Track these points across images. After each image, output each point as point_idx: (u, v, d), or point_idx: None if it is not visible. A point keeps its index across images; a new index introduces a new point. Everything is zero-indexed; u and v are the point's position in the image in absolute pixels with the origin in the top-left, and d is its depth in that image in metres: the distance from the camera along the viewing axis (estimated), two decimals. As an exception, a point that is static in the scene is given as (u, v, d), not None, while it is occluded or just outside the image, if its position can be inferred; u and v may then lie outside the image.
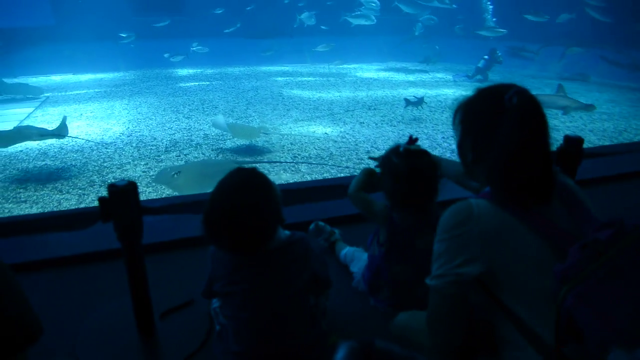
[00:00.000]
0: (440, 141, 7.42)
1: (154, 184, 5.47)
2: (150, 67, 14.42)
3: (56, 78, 13.22)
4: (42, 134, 6.69)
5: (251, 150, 6.91)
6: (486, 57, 13.10)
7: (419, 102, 9.06)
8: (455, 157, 6.08)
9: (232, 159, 6.41)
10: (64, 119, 7.02)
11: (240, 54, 15.32)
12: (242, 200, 1.52)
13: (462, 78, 13.20)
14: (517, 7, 14.14)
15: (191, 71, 14.24)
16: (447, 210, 1.37)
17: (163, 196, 5.26)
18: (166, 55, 14.16)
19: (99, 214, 1.43)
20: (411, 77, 13.71)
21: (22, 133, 6.61)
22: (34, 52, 15.01)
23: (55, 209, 5.11)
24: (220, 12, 15.91)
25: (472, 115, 1.46)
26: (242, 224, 1.52)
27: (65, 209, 4.84)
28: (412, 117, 8.81)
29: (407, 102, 9.17)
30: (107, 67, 13.95)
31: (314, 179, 5.83)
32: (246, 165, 5.13)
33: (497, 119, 1.34)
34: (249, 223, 1.53)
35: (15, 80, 11.77)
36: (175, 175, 4.88)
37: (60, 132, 6.86)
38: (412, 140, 2.08)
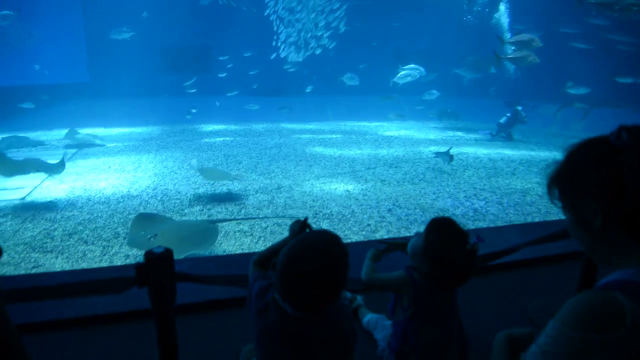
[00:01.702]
0: (463, 200, 7.39)
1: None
2: (177, 122, 14.93)
3: (88, 131, 13.72)
4: (40, 167, 7.54)
5: (271, 204, 6.97)
6: (508, 114, 13.22)
7: (447, 154, 9.21)
8: (478, 217, 5.96)
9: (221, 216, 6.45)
10: (63, 156, 7.75)
11: (264, 111, 15.81)
12: (329, 260, 1.56)
13: (487, 136, 13.30)
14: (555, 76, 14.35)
15: (216, 127, 14.66)
16: (580, 299, 1.07)
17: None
18: (188, 116, 14.78)
19: (135, 280, 1.46)
20: (431, 135, 13.84)
21: (26, 164, 7.48)
22: (69, 106, 15.78)
23: (80, 262, 5.17)
24: (227, 71, 16.59)
25: (580, 172, 1.22)
26: (323, 283, 1.55)
27: (97, 268, 4.84)
28: (433, 176, 8.83)
29: (437, 154, 9.45)
30: (136, 121, 14.49)
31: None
32: (219, 223, 5.09)
33: (615, 165, 1.12)
34: (330, 282, 1.56)
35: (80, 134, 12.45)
36: (152, 239, 4.77)
37: (57, 169, 7.72)
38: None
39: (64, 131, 12.71)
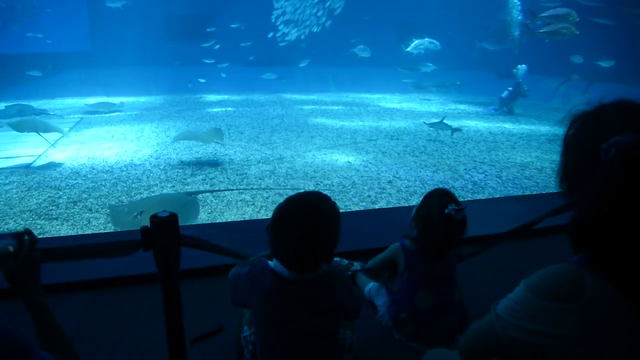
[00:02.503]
0: (463, 172, 7.46)
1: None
2: (180, 92, 14.88)
3: (91, 100, 13.73)
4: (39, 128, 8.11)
5: (273, 174, 7.06)
6: (510, 88, 13.15)
7: (441, 123, 9.50)
8: (477, 189, 6.05)
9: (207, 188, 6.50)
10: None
11: (265, 82, 15.72)
12: (319, 214, 1.61)
13: (490, 111, 13.25)
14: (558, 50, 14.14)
15: (219, 97, 14.63)
16: (548, 270, 1.16)
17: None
18: (189, 85, 14.71)
19: (140, 243, 1.54)
20: (433, 108, 13.81)
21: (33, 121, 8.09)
22: (71, 75, 15.71)
23: (85, 229, 5.29)
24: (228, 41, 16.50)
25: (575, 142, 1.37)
26: (314, 236, 1.59)
27: (104, 233, 4.94)
28: (434, 149, 8.87)
29: (431, 125, 9.72)
30: (139, 90, 14.45)
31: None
32: (198, 195, 5.12)
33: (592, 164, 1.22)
34: (321, 235, 1.60)
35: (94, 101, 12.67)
36: (139, 217, 4.75)
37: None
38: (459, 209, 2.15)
39: (68, 100, 12.75)
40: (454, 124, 11.10)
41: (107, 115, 11.91)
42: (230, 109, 12.76)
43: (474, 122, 11.77)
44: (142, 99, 14.04)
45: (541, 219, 2.25)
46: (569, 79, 14.64)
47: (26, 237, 1.31)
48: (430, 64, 14.63)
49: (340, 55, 15.77)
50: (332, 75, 16.40)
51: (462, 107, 14.32)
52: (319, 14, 17.05)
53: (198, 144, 8.82)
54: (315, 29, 16.95)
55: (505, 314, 1.20)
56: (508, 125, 11.37)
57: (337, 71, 16.82)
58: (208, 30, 17.47)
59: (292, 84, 15.56)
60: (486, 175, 7.41)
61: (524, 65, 13.32)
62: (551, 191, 6.73)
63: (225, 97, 14.68)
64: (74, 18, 17.14)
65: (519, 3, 15.23)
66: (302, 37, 17.09)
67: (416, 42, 13.94)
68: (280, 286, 1.66)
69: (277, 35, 17.03)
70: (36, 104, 12.62)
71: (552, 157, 8.45)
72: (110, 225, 5.37)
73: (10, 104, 11.82)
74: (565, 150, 1.38)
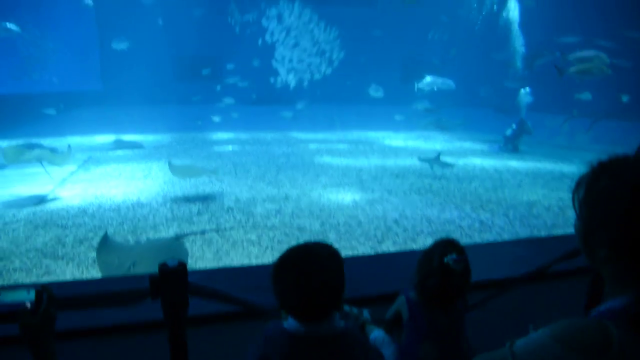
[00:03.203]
0: (469, 211, 7.43)
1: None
2: (188, 130, 15.10)
3: (100, 139, 13.95)
4: (42, 157, 8.32)
5: (279, 213, 7.05)
6: (514, 126, 13.25)
7: (436, 159, 9.75)
8: (484, 228, 6.00)
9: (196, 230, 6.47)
10: (69, 148, 8.49)
11: (272, 120, 16.00)
12: (319, 269, 1.63)
13: (495, 148, 13.31)
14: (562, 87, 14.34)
15: (226, 135, 14.82)
16: (573, 321, 1.12)
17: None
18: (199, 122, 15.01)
19: (148, 292, 1.54)
20: (438, 146, 13.90)
21: (30, 151, 8.19)
22: (82, 114, 16.05)
23: (90, 269, 5.27)
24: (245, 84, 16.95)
25: (605, 198, 1.19)
26: (317, 281, 1.60)
27: (109, 278, 4.85)
28: (440, 186, 8.88)
29: (426, 160, 10.02)
30: (147, 128, 14.68)
31: (339, 250, 5.88)
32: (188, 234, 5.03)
33: (627, 198, 1.13)
34: (324, 280, 1.62)
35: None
36: (132, 268, 4.65)
37: (63, 160, 8.43)
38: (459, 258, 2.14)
39: (77, 138, 12.95)
40: (460, 161, 11.18)
41: (115, 153, 12.06)
42: (237, 147, 12.90)
43: (480, 159, 11.81)
44: (151, 137, 14.24)
45: (553, 263, 2.22)
46: (573, 116, 14.77)
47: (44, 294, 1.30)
48: (427, 102, 14.89)
49: (344, 94, 16.06)
50: (338, 113, 16.64)
51: (467, 144, 14.40)
52: (324, 56, 17.47)
53: (204, 182, 8.88)
54: (318, 73, 17.34)
55: (523, 355, 1.13)
56: (513, 163, 11.40)
57: (342, 109, 17.09)
58: (216, 70, 17.92)
59: (298, 123, 15.78)
60: (493, 213, 7.37)
61: (527, 89, 13.46)
62: (559, 231, 6.68)
63: (232, 135, 14.87)
64: (85, 59, 17.65)
65: (521, 38, 15.57)
66: (306, 80, 17.47)
67: (429, 79, 14.18)
68: (297, 348, 1.65)
69: (280, 77, 17.42)
70: (46, 141, 12.80)
71: (558, 195, 8.43)
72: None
73: (21, 142, 12.01)
74: (587, 212, 1.24)
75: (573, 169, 10.78)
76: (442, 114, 16.48)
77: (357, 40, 18.63)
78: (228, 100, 16.07)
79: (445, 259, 2.07)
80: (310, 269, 1.62)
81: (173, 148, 12.64)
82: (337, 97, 17.37)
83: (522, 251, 3.66)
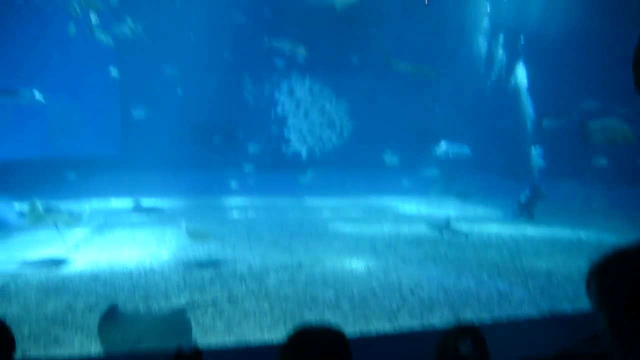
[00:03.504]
0: (486, 280, 7.24)
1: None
2: (203, 195, 15.29)
3: (115, 203, 14.15)
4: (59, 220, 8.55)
5: (291, 283, 6.93)
6: (527, 193, 13.15)
7: (446, 225, 9.75)
8: (503, 300, 5.79)
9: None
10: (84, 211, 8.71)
11: (286, 186, 16.20)
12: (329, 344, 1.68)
13: (510, 215, 13.17)
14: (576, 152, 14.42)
15: (240, 201, 14.96)
16: None
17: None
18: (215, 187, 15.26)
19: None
20: (452, 212, 13.81)
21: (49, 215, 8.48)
22: (99, 177, 16.44)
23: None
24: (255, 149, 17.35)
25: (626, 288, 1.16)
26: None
27: (122, 353, 4.69)
28: (455, 255, 8.72)
29: (436, 227, 10.00)
30: (163, 193, 14.89)
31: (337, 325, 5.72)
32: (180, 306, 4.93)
33: None
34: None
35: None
36: (136, 345, 4.58)
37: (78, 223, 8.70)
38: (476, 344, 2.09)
39: (94, 201, 13.15)
40: (475, 228, 11.06)
41: (130, 217, 12.17)
42: (251, 212, 12.99)
43: (495, 226, 11.67)
44: (166, 201, 14.41)
45: (581, 345, 2.12)
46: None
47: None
48: (434, 168, 15.01)
49: (356, 160, 16.29)
50: (350, 179, 16.81)
51: (481, 210, 14.30)
52: (335, 124, 17.91)
53: (217, 247, 8.86)
54: (331, 141, 17.73)
55: None
56: (530, 230, 11.23)
57: (354, 175, 17.25)
58: (231, 137, 18.44)
59: (311, 188, 15.94)
60: (511, 283, 7.17)
61: (538, 149, 13.41)
62: (582, 302, 6.44)
63: (247, 200, 15.01)
64: (107, 124, 18.33)
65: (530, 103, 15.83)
66: (318, 146, 17.84)
67: (444, 145, 14.36)
68: None
69: (293, 144, 17.81)
70: (66, 204, 13.02)
71: (578, 263, 8.21)
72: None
73: (41, 204, 12.22)
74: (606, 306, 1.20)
75: (591, 235, 10.58)
76: (455, 179, 16.50)
77: (367, 109, 19.17)
78: (243, 166, 16.40)
79: (461, 350, 2.01)
80: (314, 356, 1.63)
81: (188, 213, 12.73)
82: (349, 163, 17.62)
83: (546, 330, 3.52)
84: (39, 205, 8.82)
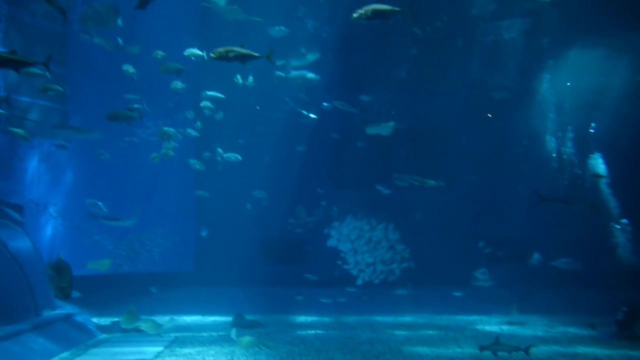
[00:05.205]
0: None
1: None
2: (271, 312, 15.14)
3: (187, 318, 14.35)
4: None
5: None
6: (624, 308, 11.87)
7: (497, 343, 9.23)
8: None
9: None
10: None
11: (355, 303, 15.86)
12: None
13: (607, 334, 11.83)
14: None
15: (309, 318, 14.68)
16: None
17: None
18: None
19: None
20: (539, 332, 12.70)
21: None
22: (172, 294, 16.92)
23: None
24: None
25: None
26: None
27: None
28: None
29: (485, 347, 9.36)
30: (233, 310, 14.90)
31: None
32: None
33: None
34: None
35: None
36: None
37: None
38: None
39: (165, 318, 13.34)
40: (568, 350, 10.02)
41: (201, 334, 12.18)
42: (320, 331, 12.63)
43: (591, 349, 10.45)
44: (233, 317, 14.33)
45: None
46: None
47: None
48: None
49: (431, 277, 15.80)
50: (425, 296, 16.13)
51: (572, 329, 12.99)
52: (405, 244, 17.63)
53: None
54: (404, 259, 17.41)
55: None
56: (635, 354, 9.93)
57: (428, 291, 16.54)
58: (300, 253, 18.68)
59: (382, 306, 15.45)
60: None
61: None
62: None
63: (315, 318, 14.68)
64: (182, 243, 19.25)
65: None
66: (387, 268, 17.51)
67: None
68: None
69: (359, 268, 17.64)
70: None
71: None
72: None
73: (116, 319, 12.63)
74: None
75: None
76: (537, 295, 15.43)
77: (437, 225, 18.98)
78: (311, 283, 16.33)
79: None
80: None
81: (256, 330, 12.56)
82: (423, 280, 17.00)
83: None
84: (134, 313, 9.10)
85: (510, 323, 13.97)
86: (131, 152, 17.13)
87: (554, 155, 18.58)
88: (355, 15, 8.67)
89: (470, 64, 20.04)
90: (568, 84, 18.77)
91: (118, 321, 12.52)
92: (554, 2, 17.62)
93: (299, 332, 12.49)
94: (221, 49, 8.57)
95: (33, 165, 15.68)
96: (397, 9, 8.61)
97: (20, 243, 12.05)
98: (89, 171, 17.12)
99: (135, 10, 8.82)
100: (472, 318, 14.83)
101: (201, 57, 13.61)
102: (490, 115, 20.48)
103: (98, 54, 15.89)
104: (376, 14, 8.61)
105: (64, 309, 12.28)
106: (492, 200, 19.66)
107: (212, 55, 8.70)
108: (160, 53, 14.05)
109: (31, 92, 14.84)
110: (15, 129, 12.60)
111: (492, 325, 13.78)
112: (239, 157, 16.07)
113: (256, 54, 8.66)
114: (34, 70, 8.63)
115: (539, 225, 18.63)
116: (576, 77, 18.61)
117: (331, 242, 17.92)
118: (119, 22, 14.93)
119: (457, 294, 15.67)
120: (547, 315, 14.88)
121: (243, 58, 8.56)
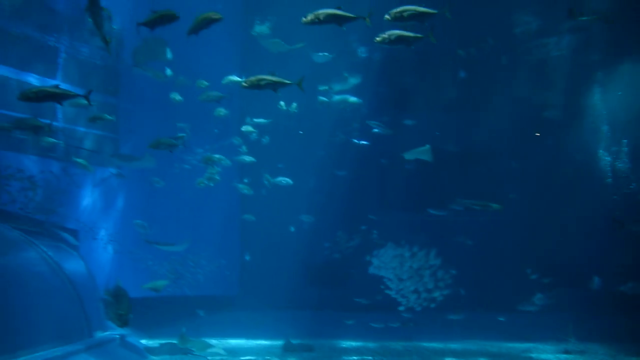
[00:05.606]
0: None
1: None
2: (317, 337, 14.98)
3: (232, 341, 14.41)
4: None
5: None
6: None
7: None
8: None
9: None
10: None
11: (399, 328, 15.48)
12: None
13: None
14: None
15: (354, 344, 14.45)
16: None
17: None
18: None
19: None
20: (600, 362, 11.94)
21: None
22: (217, 317, 17.05)
23: None
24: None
25: None
26: None
27: None
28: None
29: None
30: (277, 334, 14.87)
31: None
32: None
33: None
34: None
35: None
36: None
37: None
38: None
39: (212, 340, 13.47)
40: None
41: (246, 357, 12.20)
42: (367, 357, 12.39)
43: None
44: (278, 342, 14.26)
45: None
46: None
47: None
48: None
49: (482, 302, 15.26)
50: (476, 323, 15.52)
51: (635, 359, 12.13)
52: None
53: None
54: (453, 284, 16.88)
55: None
56: None
57: (478, 317, 15.91)
58: (344, 277, 18.48)
59: (429, 331, 14.96)
60: None
61: None
62: None
63: (361, 344, 14.40)
64: (227, 267, 19.45)
65: None
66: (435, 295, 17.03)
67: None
68: None
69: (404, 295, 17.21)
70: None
71: None
72: None
73: (164, 341, 12.84)
74: None
75: None
76: (594, 321, 14.54)
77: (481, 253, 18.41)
78: (357, 307, 16.05)
79: None
80: None
81: (300, 355, 12.46)
82: (472, 305, 16.40)
83: None
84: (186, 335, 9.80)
85: (567, 352, 13.21)
86: (182, 178, 17.61)
87: (608, 170, 17.78)
88: (378, 39, 8.73)
89: (516, 83, 19.61)
90: (619, 92, 18.00)
91: (166, 343, 12.74)
92: (601, 18, 17.14)
93: (346, 358, 12.29)
94: (253, 78, 8.78)
95: (88, 191, 16.39)
96: (419, 35, 8.65)
97: (75, 265, 12.51)
98: (140, 197, 17.70)
99: (188, 36, 9.11)
100: (525, 345, 14.13)
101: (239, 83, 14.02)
102: (538, 134, 19.86)
103: (148, 85, 16.62)
104: (400, 39, 8.66)
105: (115, 330, 12.58)
106: (544, 222, 18.88)
107: (244, 84, 8.89)
108: (204, 83, 14.51)
109: (86, 123, 15.63)
110: (79, 160, 13.35)
111: (547, 353, 13.09)
112: (290, 181, 16.15)
113: (287, 81, 8.80)
114: (82, 101, 9.03)
115: (594, 248, 17.70)
116: (629, 89, 17.86)
117: (372, 270, 17.64)
118: (169, 55, 15.65)
119: (501, 318, 15.06)
120: (607, 343, 13.97)
121: (274, 86, 8.74)
